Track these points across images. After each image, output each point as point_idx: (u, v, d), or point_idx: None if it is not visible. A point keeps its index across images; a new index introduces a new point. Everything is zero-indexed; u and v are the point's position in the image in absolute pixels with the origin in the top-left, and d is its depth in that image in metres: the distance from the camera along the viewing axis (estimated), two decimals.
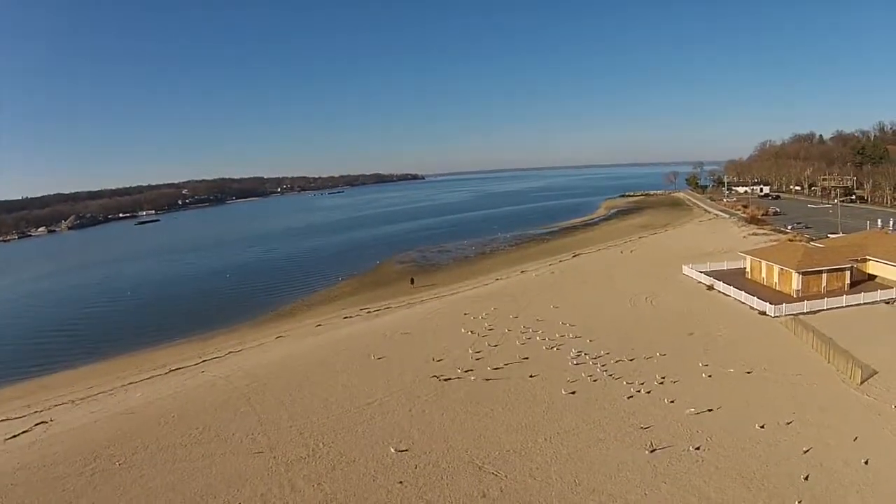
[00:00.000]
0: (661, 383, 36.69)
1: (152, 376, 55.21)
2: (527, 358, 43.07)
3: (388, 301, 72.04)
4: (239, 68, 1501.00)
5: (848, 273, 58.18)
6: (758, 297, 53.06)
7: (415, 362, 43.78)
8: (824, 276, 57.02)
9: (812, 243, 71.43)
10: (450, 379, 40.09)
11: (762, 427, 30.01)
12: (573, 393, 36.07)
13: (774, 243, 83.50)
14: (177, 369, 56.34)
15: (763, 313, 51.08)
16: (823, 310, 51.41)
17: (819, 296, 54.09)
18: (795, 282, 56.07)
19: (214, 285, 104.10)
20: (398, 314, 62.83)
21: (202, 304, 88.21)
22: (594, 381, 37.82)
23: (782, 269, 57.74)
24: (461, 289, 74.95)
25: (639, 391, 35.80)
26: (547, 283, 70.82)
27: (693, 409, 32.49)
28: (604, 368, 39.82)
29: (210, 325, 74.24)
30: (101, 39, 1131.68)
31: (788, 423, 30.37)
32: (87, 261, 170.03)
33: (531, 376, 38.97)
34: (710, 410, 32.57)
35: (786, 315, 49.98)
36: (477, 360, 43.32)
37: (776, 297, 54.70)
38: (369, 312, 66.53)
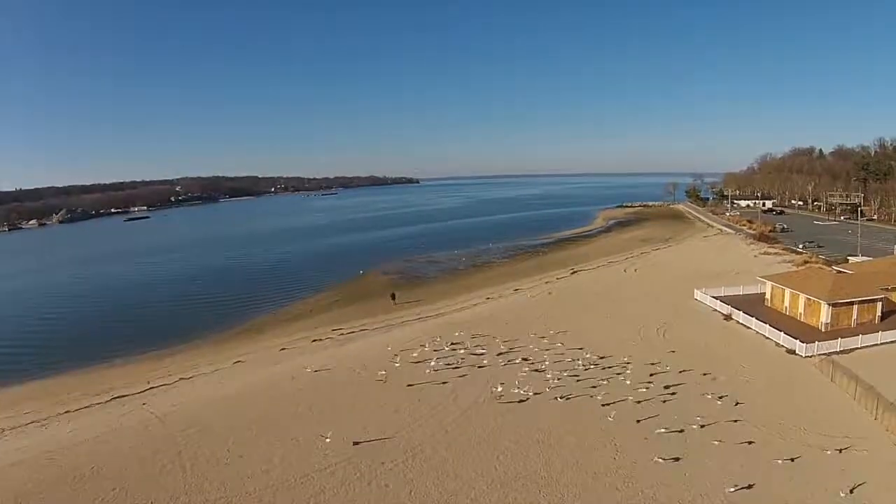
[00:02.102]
0: (693, 447, 29.85)
1: (91, 404, 48.50)
2: (521, 405, 36.05)
3: (365, 321, 64.61)
4: (238, 68, 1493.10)
5: (880, 304, 51.86)
6: (784, 332, 46.44)
7: (382, 412, 36.40)
8: (855, 307, 50.61)
9: (833, 268, 65.21)
10: (424, 424, 33.03)
11: None
12: (577, 450, 29.20)
13: (789, 264, 77.49)
14: (119, 397, 49.38)
15: (792, 352, 44.47)
16: (857, 348, 44.99)
17: (851, 331, 47.55)
18: (825, 314, 49.53)
19: (186, 292, 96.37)
20: (372, 339, 55.32)
21: (169, 313, 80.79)
22: (607, 445, 30.83)
23: (809, 298, 51.18)
24: (447, 309, 67.60)
25: (662, 459, 28.95)
26: (544, 307, 63.72)
27: (731, 487, 26.09)
28: (616, 424, 32.92)
29: (170, 340, 66.90)
30: (99, 36, 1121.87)
31: None
32: (65, 258, 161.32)
33: (528, 429, 31.98)
34: (748, 488, 26.16)
35: (818, 354, 43.51)
36: (458, 410, 36.13)
37: (802, 330, 48.20)
38: (342, 334, 59.11)
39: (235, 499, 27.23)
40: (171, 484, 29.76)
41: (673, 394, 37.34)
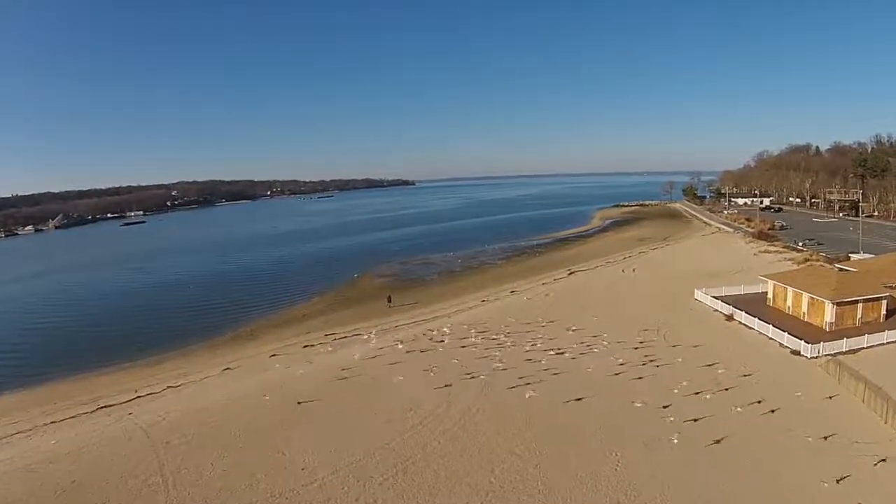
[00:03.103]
0: (696, 454, 28.43)
1: (78, 414, 47.11)
2: (518, 411, 34.61)
3: (359, 325, 63.12)
4: (235, 70, 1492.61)
5: (884, 303, 50.68)
6: (789, 334, 45.21)
7: (372, 420, 34.91)
8: (860, 306, 49.41)
9: (836, 265, 64.14)
10: (415, 434, 31.76)
11: None
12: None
13: (790, 262, 76.41)
14: (106, 406, 48.05)
15: (797, 353, 43.23)
16: (864, 348, 43.78)
17: (856, 330, 46.30)
18: (829, 313, 48.31)
19: (179, 297, 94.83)
20: (367, 344, 53.69)
21: (161, 320, 79.20)
22: (608, 454, 29.45)
23: (813, 297, 49.95)
24: (443, 312, 66.23)
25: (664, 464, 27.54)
26: (541, 308, 62.38)
27: None
28: (616, 429, 31.52)
29: (162, 347, 65.51)
30: (96, 39, 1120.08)
31: None
32: (58, 264, 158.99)
33: (525, 437, 30.57)
34: None
35: (823, 355, 42.29)
36: (452, 418, 34.67)
37: (806, 330, 46.98)
38: (335, 339, 57.59)
39: None
40: (151, 500, 28.40)
41: (675, 392, 36.25)
